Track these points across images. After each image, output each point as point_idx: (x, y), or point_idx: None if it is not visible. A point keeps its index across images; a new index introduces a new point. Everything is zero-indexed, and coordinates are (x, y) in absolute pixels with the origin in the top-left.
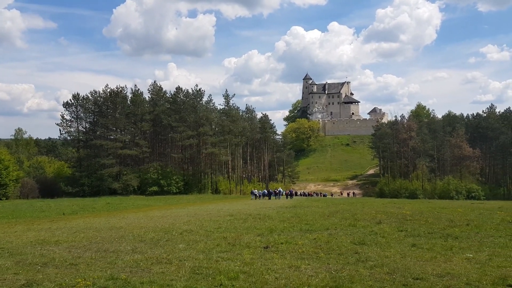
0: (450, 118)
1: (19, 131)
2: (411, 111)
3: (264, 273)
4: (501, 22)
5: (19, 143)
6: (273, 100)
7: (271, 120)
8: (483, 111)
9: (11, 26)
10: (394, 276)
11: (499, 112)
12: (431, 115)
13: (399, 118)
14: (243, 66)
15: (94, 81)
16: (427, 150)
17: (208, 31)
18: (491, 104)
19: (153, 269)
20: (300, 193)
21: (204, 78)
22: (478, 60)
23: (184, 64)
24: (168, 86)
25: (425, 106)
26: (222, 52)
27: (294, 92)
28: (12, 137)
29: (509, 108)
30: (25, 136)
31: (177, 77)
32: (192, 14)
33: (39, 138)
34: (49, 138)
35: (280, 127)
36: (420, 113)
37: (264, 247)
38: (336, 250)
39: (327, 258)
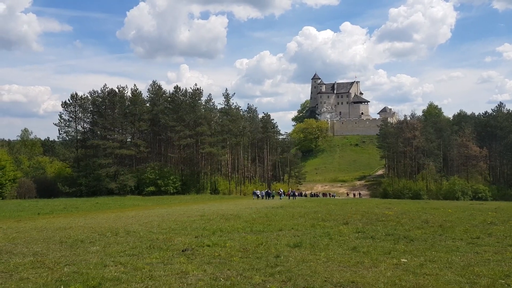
0: (460, 117)
1: (25, 131)
2: (423, 111)
3: (138, 281)
4: None
5: (25, 144)
6: (285, 101)
7: (273, 120)
8: (492, 109)
9: (28, 30)
10: (285, 285)
11: (508, 111)
12: (443, 114)
13: (408, 118)
14: (254, 67)
15: (108, 83)
16: (432, 149)
17: (220, 32)
18: (500, 102)
19: (23, 274)
20: (311, 194)
21: (216, 79)
22: (494, 59)
23: (197, 66)
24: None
25: (436, 106)
26: (234, 54)
27: (306, 93)
28: (19, 138)
29: None
30: (31, 137)
31: (189, 79)
32: (205, 15)
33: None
34: (48, 138)
35: (291, 127)
36: (432, 112)
37: (182, 250)
38: (260, 253)
39: (237, 262)
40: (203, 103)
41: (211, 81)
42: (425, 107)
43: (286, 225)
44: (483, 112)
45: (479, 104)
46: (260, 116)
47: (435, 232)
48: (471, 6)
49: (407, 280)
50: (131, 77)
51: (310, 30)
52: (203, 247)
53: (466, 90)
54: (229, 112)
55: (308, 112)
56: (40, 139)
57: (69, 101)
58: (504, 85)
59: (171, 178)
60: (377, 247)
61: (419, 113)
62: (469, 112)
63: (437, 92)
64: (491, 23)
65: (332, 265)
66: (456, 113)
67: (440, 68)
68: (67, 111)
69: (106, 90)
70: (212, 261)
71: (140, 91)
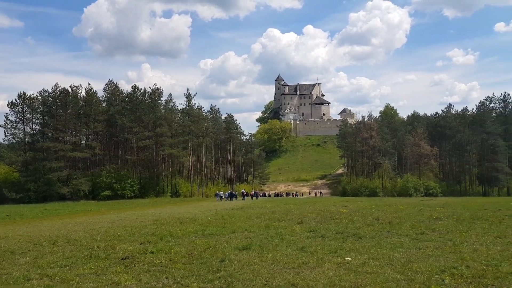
0: (413, 118)
1: None
2: (380, 112)
3: None
4: (466, 27)
5: None
6: (250, 102)
7: (236, 120)
8: (442, 110)
9: None
10: None
11: (456, 112)
12: (398, 115)
13: (366, 118)
14: (219, 68)
15: (64, 82)
16: (387, 148)
17: (183, 32)
18: (449, 104)
19: None
20: (274, 194)
21: (179, 79)
22: (445, 63)
23: (159, 65)
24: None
25: (393, 107)
26: (198, 54)
27: (270, 94)
28: None
29: (465, 107)
30: None
31: (151, 79)
32: (167, 14)
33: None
34: None
35: (256, 128)
36: (388, 113)
37: (122, 259)
38: (205, 258)
39: (178, 269)
40: (163, 104)
41: (174, 81)
42: (382, 108)
43: (240, 226)
44: (434, 113)
45: (431, 106)
46: (223, 116)
47: (383, 229)
48: (424, 13)
49: (347, 279)
50: (89, 76)
51: (274, 32)
52: (146, 254)
53: (419, 92)
54: (190, 112)
55: (272, 113)
56: None
57: (16, 101)
58: (453, 87)
59: (129, 181)
60: (325, 246)
61: (376, 114)
62: (422, 113)
63: (393, 94)
64: (442, 29)
65: (277, 267)
66: (410, 114)
67: (396, 71)
68: (14, 111)
69: (58, 89)
70: (151, 269)
71: (95, 91)
